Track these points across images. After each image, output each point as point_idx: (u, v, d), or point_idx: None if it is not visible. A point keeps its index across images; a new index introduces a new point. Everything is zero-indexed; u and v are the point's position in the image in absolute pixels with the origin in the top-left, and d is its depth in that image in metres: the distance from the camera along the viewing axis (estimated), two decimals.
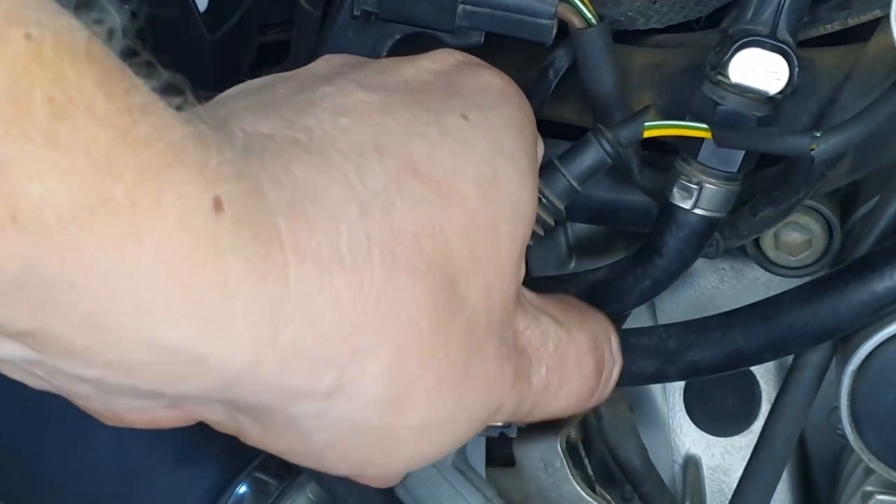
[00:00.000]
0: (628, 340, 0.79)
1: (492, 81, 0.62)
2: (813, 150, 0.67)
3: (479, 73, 0.62)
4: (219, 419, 0.57)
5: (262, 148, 0.50)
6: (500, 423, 0.69)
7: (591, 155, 0.71)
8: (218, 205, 0.46)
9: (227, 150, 0.48)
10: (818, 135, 0.67)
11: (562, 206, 0.71)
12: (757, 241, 0.87)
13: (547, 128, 0.71)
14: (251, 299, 0.48)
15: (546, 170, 0.71)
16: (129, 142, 0.43)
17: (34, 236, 0.42)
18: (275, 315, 0.49)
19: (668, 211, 0.73)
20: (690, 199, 0.72)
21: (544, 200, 0.71)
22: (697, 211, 0.72)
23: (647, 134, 0.71)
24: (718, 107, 0.69)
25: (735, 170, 0.71)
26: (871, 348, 0.74)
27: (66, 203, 0.42)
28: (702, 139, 0.70)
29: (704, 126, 0.70)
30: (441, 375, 0.55)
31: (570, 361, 0.65)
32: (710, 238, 0.75)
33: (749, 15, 0.69)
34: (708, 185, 0.72)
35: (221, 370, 0.48)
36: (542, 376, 0.63)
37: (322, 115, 0.54)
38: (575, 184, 0.71)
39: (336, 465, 0.58)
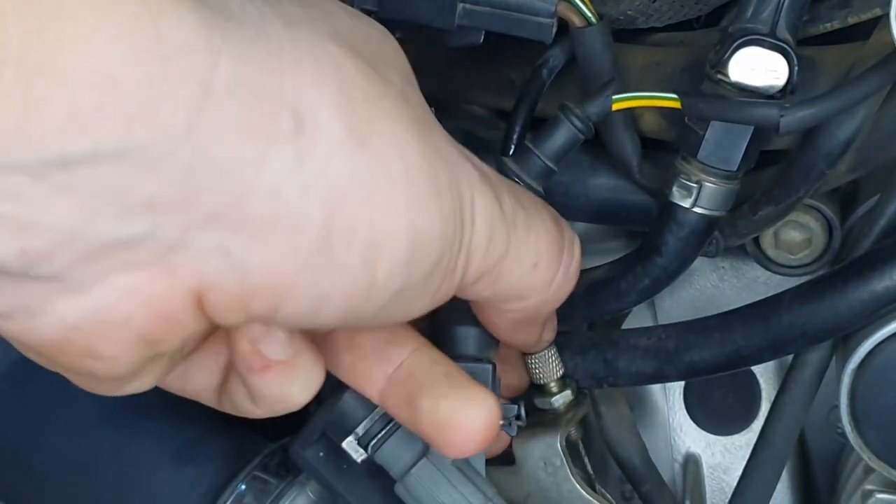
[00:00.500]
0: (627, 341, 0.79)
1: None
2: (782, 117, 0.67)
3: None
4: (211, 268, 0.50)
5: None
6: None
7: (563, 133, 0.71)
8: None
9: None
10: (787, 106, 0.67)
11: (540, 188, 0.71)
12: (757, 240, 0.87)
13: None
14: (180, 13, 0.47)
15: (520, 153, 0.71)
16: None
17: None
18: (206, 36, 0.47)
19: (668, 209, 0.73)
20: (690, 197, 0.72)
21: (521, 184, 0.71)
22: (697, 209, 0.72)
23: (615, 107, 0.71)
24: None
25: (735, 168, 0.71)
26: (870, 347, 0.74)
27: None
28: (701, 136, 0.70)
29: (673, 96, 0.70)
30: (397, 126, 0.53)
31: (528, 205, 0.62)
32: (709, 237, 0.75)
33: (749, 13, 0.69)
34: (707, 184, 0.72)
35: (174, 94, 0.46)
36: (508, 206, 0.60)
37: None
38: (550, 164, 0.71)
39: (346, 257, 0.52)
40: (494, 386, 0.70)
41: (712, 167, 0.71)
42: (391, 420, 0.69)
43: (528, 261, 0.62)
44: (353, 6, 0.71)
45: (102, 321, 0.51)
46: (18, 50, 0.43)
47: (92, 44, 0.45)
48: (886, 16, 0.64)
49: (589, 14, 0.73)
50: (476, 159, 0.60)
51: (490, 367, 0.70)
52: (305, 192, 0.51)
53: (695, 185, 0.72)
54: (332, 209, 0.51)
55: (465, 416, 0.62)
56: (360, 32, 0.57)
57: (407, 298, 0.56)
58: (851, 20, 0.76)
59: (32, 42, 0.44)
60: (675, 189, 0.72)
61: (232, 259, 0.51)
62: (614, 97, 0.71)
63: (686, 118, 0.72)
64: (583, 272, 0.78)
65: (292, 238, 0.51)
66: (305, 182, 0.50)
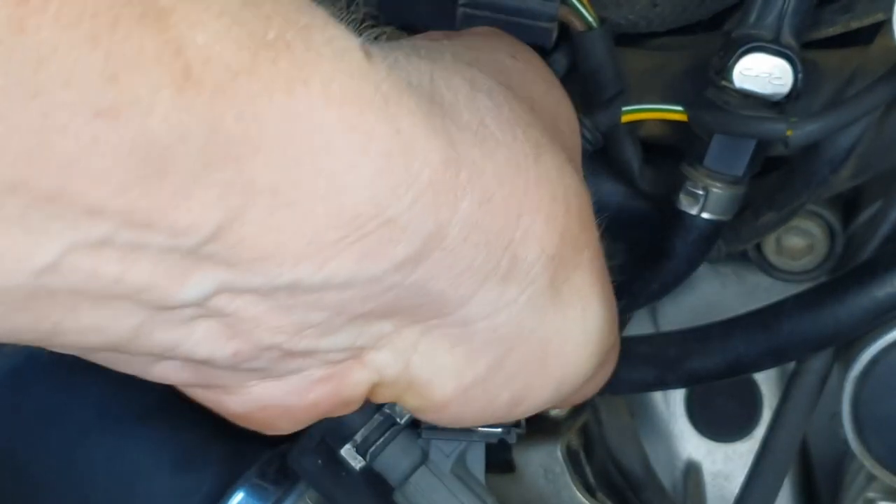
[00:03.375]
0: (628, 348, 0.79)
1: (497, 32, 0.62)
2: (789, 135, 0.67)
3: (478, 30, 0.63)
4: (391, 371, 0.53)
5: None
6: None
7: None
8: (366, 51, 0.44)
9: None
10: (794, 120, 0.67)
11: None
12: (759, 246, 0.87)
13: None
14: (429, 153, 0.45)
15: None
16: None
17: (210, 92, 0.39)
18: (453, 175, 0.46)
19: (675, 216, 0.73)
20: (697, 204, 0.72)
21: None
22: (704, 215, 0.72)
23: (624, 119, 0.72)
24: None
25: (741, 173, 0.71)
26: (873, 354, 0.74)
27: (230, 50, 0.39)
28: (707, 143, 0.70)
29: (680, 108, 0.70)
30: (588, 277, 0.54)
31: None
32: (716, 240, 0.75)
33: (752, 19, 0.69)
34: (714, 190, 0.71)
35: (412, 235, 0.46)
36: None
37: (404, 44, 0.53)
38: None
39: (498, 396, 0.55)
40: None
41: (718, 173, 0.71)
42: (390, 427, 0.69)
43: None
44: (354, 8, 0.71)
45: (291, 404, 0.54)
46: (275, 180, 0.42)
47: (345, 181, 0.44)
48: (889, 20, 0.64)
49: (590, 18, 0.72)
50: None
51: None
52: (493, 331, 0.52)
53: (701, 191, 0.72)
54: (509, 353, 0.53)
55: None
56: (560, 127, 0.57)
57: None
58: (854, 24, 0.76)
59: (290, 171, 0.42)
60: (681, 196, 0.72)
61: (410, 367, 0.54)
62: (624, 109, 0.71)
63: (691, 125, 0.72)
64: None
65: (466, 363, 0.53)
66: (496, 325, 0.52)
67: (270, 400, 0.53)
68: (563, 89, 0.61)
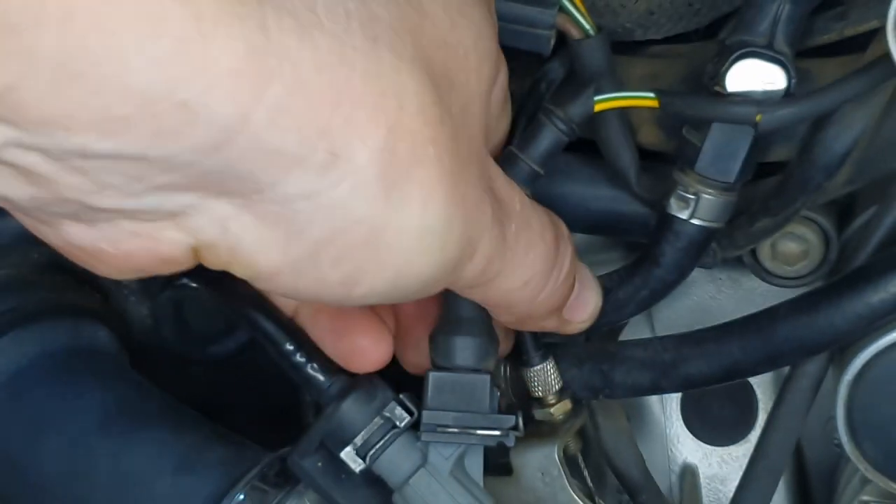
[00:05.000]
0: (624, 353, 0.79)
1: None
2: (758, 119, 0.67)
3: None
4: (208, 235, 0.54)
5: None
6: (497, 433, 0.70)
7: (547, 136, 0.72)
8: None
9: None
10: (765, 104, 0.67)
11: (528, 192, 0.72)
12: (754, 252, 0.88)
13: None
14: (230, 40, 0.46)
15: (506, 159, 0.71)
16: None
17: None
18: (258, 64, 0.47)
19: (666, 221, 0.73)
20: (688, 209, 0.72)
21: None
22: (695, 221, 0.72)
23: (597, 108, 0.72)
24: None
25: (732, 180, 0.71)
26: (867, 358, 0.74)
27: None
28: (698, 147, 0.71)
29: (651, 95, 0.70)
30: (433, 174, 0.54)
31: (534, 226, 0.64)
32: (707, 248, 0.75)
33: (746, 25, 0.69)
34: (705, 196, 0.72)
35: (208, 121, 0.47)
36: (513, 232, 0.62)
37: None
38: (537, 167, 0.72)
39: (328, 273, 0.55)
40: (492, 397, 0.70)
41: (710, 178, 0.71)
42: (390, 430, 0.69)
43: (519, 279, 0.64)
44: None
45: (103, 250, 0.54)
46: (60, 52, 0.44)
47: (135, 60, 0.45)
48: (883, 28, 0.65)
49: (587, 26, 0.73)
50: (499, 183, 0.61)
51: (487, 377, 0.70)
52: (315, 213, 0.52)
53: (692, 196, 0.72)
54: (334, 235, 0.53)
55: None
56: (448, 41, 0.57)
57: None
58: (848, 32, 0.76)
59: (77, 45, 0.44)
60: (672, 200, 0.73)
61: (228, 233, 0.54)
62: (596, 98, 0.71)
63: (683, 130, 0.72)
64: None
65: (287, 240, 0.54)
66: (318, 205, 0.52)
67: (82, 242, 0.54)
68: (486, 17, 0.60)
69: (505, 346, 0.79)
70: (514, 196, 0.63)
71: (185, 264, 0.56)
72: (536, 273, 0.65)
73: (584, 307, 0.73)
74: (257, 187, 0.51)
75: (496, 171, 0.62)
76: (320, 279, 0.56)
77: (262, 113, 0.48)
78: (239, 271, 0.56)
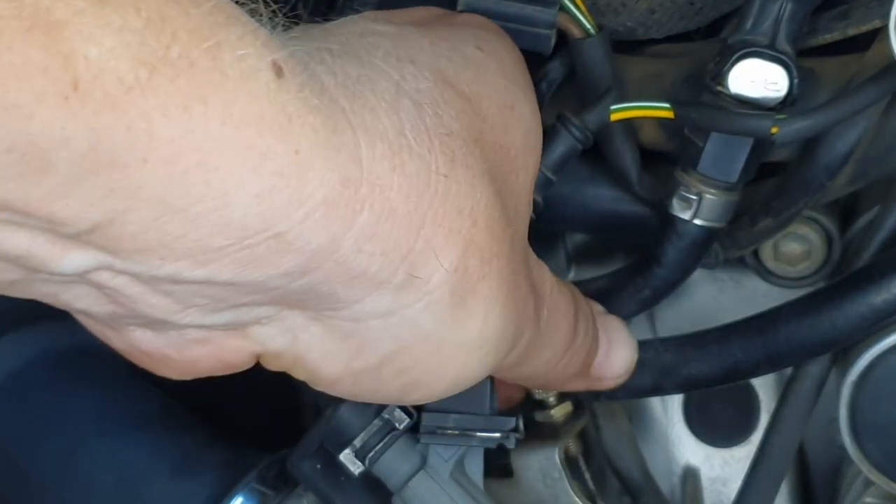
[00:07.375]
0: None
1: (485, 23, 0.63)
2: (774, 132, 0.67)
3: (470, 17, 0.64)
4: (276, 345, 0.55)
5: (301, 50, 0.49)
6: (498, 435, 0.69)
7: (562, 143, 0.71)
8: (278, 69, 0.45)
9: (276, 37, 0.46)
10: (781, 118, 0.67)
11: (540, 199, 0.71)
12: (756, 252, 0.87)
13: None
14: (327, 172, 0.46)
15: None
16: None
17: (98, 104, 0.40)
18: (351, 193, 0.47)
19: (668, 221, 0.73)
20: (690, 209, 0.72)
21: None
22: (697, 221, 0.72)
23: (613, 117, 0.71)
24: None
25: (734, 180, 0.71)
26: (870, 359, 0.74)
27: (125, 65, 0.41)
28: (700, 148, 0.70)
29: (666, 105, 0.70)
30: (495, 287, 0.55)
31: (561, 308, 0.65)
32: (709, 248, 0.75)
33: (748, 25, 0.69)
34: (707, 196, 0.71)
35: (299, 250, 0.47)
36: (545, 318, 0.63)
37: (347, 36, 0.53)
38: (550, 174, 0.71)
39: (388, 382, 0.56)
40: (492, 399, 0.70)
41: (712, 179, 0.71)
42: (389, 432, 0.69)
43: (543, 358, 0.65)
44: (354, 8, 0.71)
45: (169, 356, 0.55)
46: (163, 189, 0.43)
47: (235, 196, 0.45)
48: (886, 27, 0.64)
49: (588, 25, 0.72)
50: (535, 271, 0.62)
51: (488, 380, 0.70)
52: (385, 331, 0.53)
53: (694, 196, 0.72)
54: (400, 350, 0.55)
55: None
56: (502, 143, 0.57)
57: None
58: (851, 32, 0.76)
59: (180, 182, 0.44)
60: (674, 201, 0.72)
61: (296, 342, 0.55)
62: (612, 107, 0.71)
63: (685, 130, 0.72)
64: (583, 283, 0.78)
65: (354, 353, 0.55)
66: (390, 323, 0.53)
67: (149, 348, 0.55)
68: (527, 87, 0.61)
69: (518, 394, 0.79)
70: (545, 280, 0.64)
71: (246, 367, 0.57)
72: (558, 351, 0.66)
73: (616, 364, 0.72)
74: (335, 305, 0.52)
75: (533, 258, 0.63)
76: (379, 388, 0.57)
77: (350, 240, 0.48)
78: (299, 375, 0.57)
